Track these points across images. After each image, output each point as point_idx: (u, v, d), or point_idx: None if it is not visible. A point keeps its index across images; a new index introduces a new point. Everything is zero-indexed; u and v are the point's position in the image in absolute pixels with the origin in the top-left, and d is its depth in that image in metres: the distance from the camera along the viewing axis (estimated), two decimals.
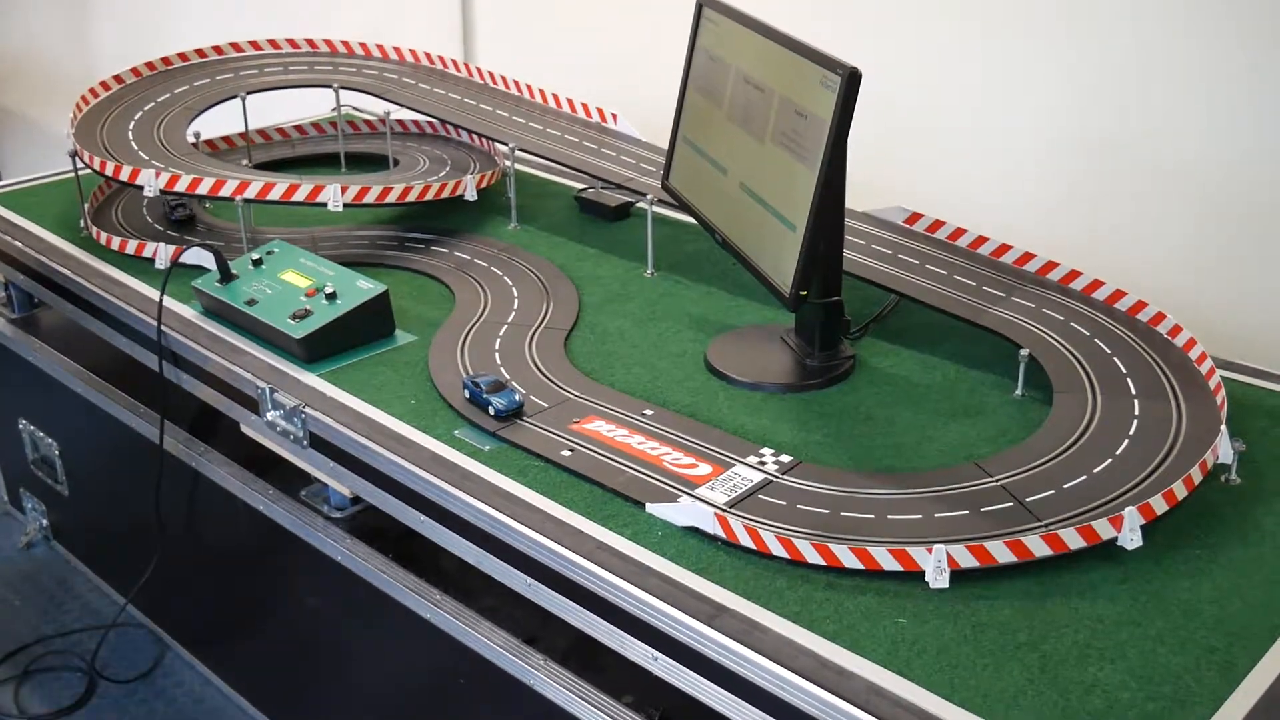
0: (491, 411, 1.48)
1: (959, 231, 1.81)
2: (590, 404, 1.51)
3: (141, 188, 1.91)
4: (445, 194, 2.04)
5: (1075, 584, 1.18)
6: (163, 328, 1.74)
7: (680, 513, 1.28)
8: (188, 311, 1.80)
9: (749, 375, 1.59)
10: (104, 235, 1.99)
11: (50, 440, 2.26)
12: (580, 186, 2.23)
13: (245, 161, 2.30)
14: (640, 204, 1.97)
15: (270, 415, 1.60)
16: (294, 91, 2.37)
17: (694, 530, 1.27)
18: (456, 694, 1.53)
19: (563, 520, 1.30)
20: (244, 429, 1.69)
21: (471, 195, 2.08)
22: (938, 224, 1.83)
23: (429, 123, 2.45)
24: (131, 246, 1.95)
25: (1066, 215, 2.07)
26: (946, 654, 1.10)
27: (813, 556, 1.21)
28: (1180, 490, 1.25)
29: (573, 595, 1.26)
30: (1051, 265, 1.71)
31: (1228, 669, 1.07)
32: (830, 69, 1.38)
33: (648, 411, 1.50)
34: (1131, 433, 1.38)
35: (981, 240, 1.78)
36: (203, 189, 1.90)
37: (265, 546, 1.77)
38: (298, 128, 2.53)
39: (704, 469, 1.37)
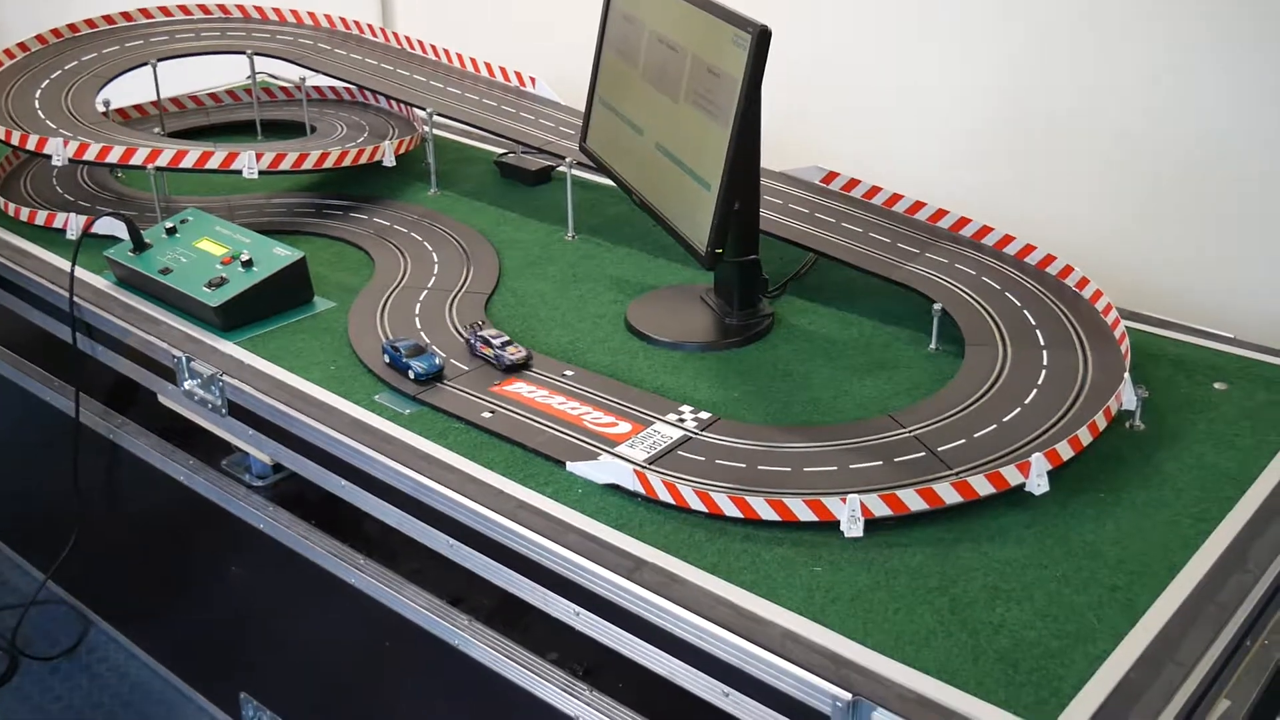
0: (411, 375, 1.48)
1: (874, 190, 1.83)
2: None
3: (49, 157, 1.88)
4: (363, 160, 2.02)
5: (985, 529, 1.22)
6: (75, 299, 1.72)
7: (600, 470, 1.30)
8: (101, 282, 1.77)
9: (669, 335, 1.60)
10: (12, 207, 1.94)
11: None
12: (500, 151, 2.23)
13: (158, 130, 2.26)
14: (560, 167, 1.97)
15: (187, 384, 1.59)
16: (207, 59, 2.33)
17: (614, 487, 1.29)
18: (384, 658, 1.53)
19: (483, 481, 1.31)
20: (161, 399, 1.67)
21: (390, 161, 2.06)
22: (853, 182, 1.85)
23: (346, 89, 2.43)
24: (41, 217, 1.91)
25: (979, 172, 2.11)
26: (860, 600, 1.12)
27: (730, 510, 1.22)
28: (1085, 436, 1.29)
29: (495, 555, 1.27)
30: (964, 221, 1.74)
31: (1128, 606, 1.11)
32: (741, 27, 1.39)
33: (568, 372, 1.51)
34: (1040, 382, 1.41)
35: (896, 198, 1.81)
36: (113, 157, 1.86)
37: (187, 517, 1.76)
38: (212, 95, 2.49)
39: (624, 427, 1.38)
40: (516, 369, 1.50)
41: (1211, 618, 1.09)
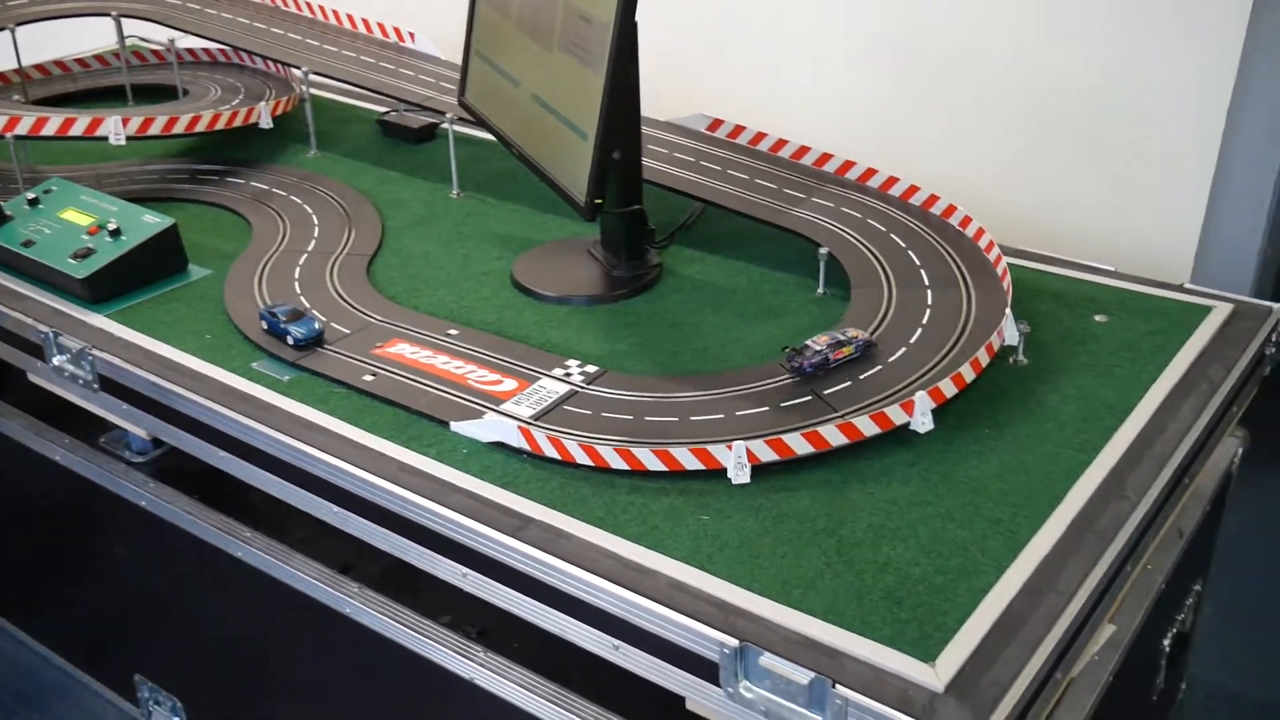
0: (290, 341, 1.44)
1: (759, 136, 1.82)
2: (393, 327, 1.48)
3: None
4: (237, 123, 1.96)
5: (871, 470, 1.22)
6: None
7: (484, 429, 1.27)
8: None
9: (555, 290, 1.58)
10: None
11: None
12: (382, 110, 2.17)
13: (18, 98, 2.17)
14: (443, 124, 1.93)
15: (56, 360, 1.53)
16: (73, 22, 2.23)
17: (500, 446, 1.26)
18: (277, 631, 1.50)
19: (365, 445, 1.28)
20: (31, 377, 1.61)
21: (267, 123, 2.00)
22: (738, 129, 1.84)
23: (220, 50, 2.35)
24: None
25: (862, 117, 2.10)
26: (748, 546, 1.12)
27: (616, 462, 1.21)
28: (968, 373, 1.30)
29: (380, 520, 1.24)
30: (849, 165, 1.74)
31: (1011, 538, 1.12)
32: None
33: (452, 331, 1.48)
34: (924, 322, 1.42)
35: (781, 143, 1.80)
36: None
37: (68, 498, 1.70)
38: (79, 61, 2.39)
39: (509, 385, 1.36)
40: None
41: (1091, 545, 1.10)
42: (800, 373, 1.33)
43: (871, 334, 1.39)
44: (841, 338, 1.35)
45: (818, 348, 1.33)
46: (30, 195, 1.70)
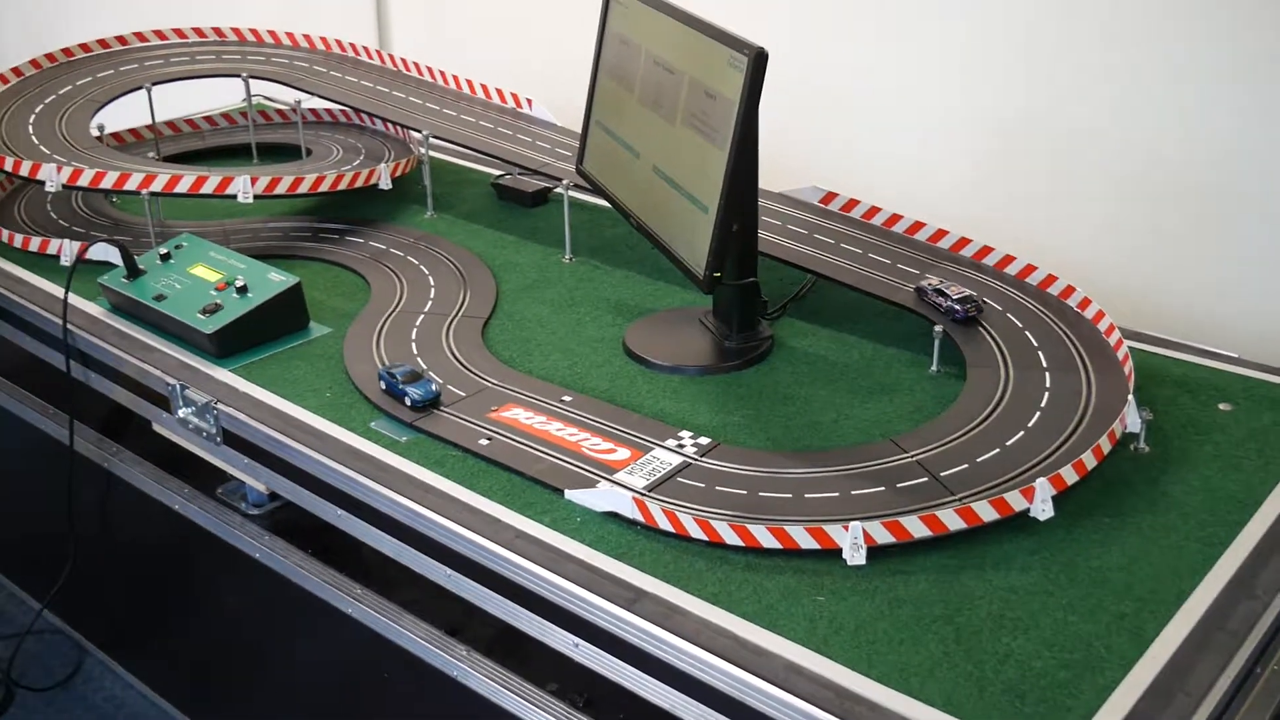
0: (408, 402, 1.46)
1: (873, 210, 1.82)
2: (508, 392, 1.50)
3: (43, 183, 1.86)
4: (359, 183, 2.01)
5: (989, 556, 1.20)
6: (69, 326, 1.70)
7: (599, 498, 1.28)
8: (95, 309, 1.76)
9: (667, 359, 1.59)
10: (6, 232, 1.93)
11: None
12: (497, 174, 2.22)
13: (153, 155, 2.25)
14: (557, 190, 1.96)
15: (182, 413, 1.57)
16: (203, 82, 2.32)
17: (613, 515, 1.27)
18: (381, 688, 1.51)
19: (481, 510, 1.29)
20: (156, 427, 1.66)
21: (386, 184, 2.05)
22: (852, 203, 1.84)
23: (342, 111, 2.42)
24: (35, 243, 1.90)
25: (979, 192, 2.09)
26: (864, 630, 1.10)
27: (731, 538, 1.21)
28: (1090, 460, 1.27)
29: (493, 585, 1.25)
30: (964, 241, 1.73)
31: (1136, 634, 1.09)
32: (737, 49, 1.38)
33: (566, 398, 1.49)
34: (1043, 405, 1.40)
35: (896, 218, 1.80)
36: (107, 183, 1.85)
37: (182, 546, 1.74)
38: (207, 119, 2.48)
39: (623, 454, 1.36)
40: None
41: (1221, 646, 1.07)
42: (953, 316, 1.52)
43: (988, 415, 1.38)
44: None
45: (956, 294, 1.54)
46: (162, 250, 1.76)
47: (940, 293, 1.58)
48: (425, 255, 1.90)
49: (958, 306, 1.55)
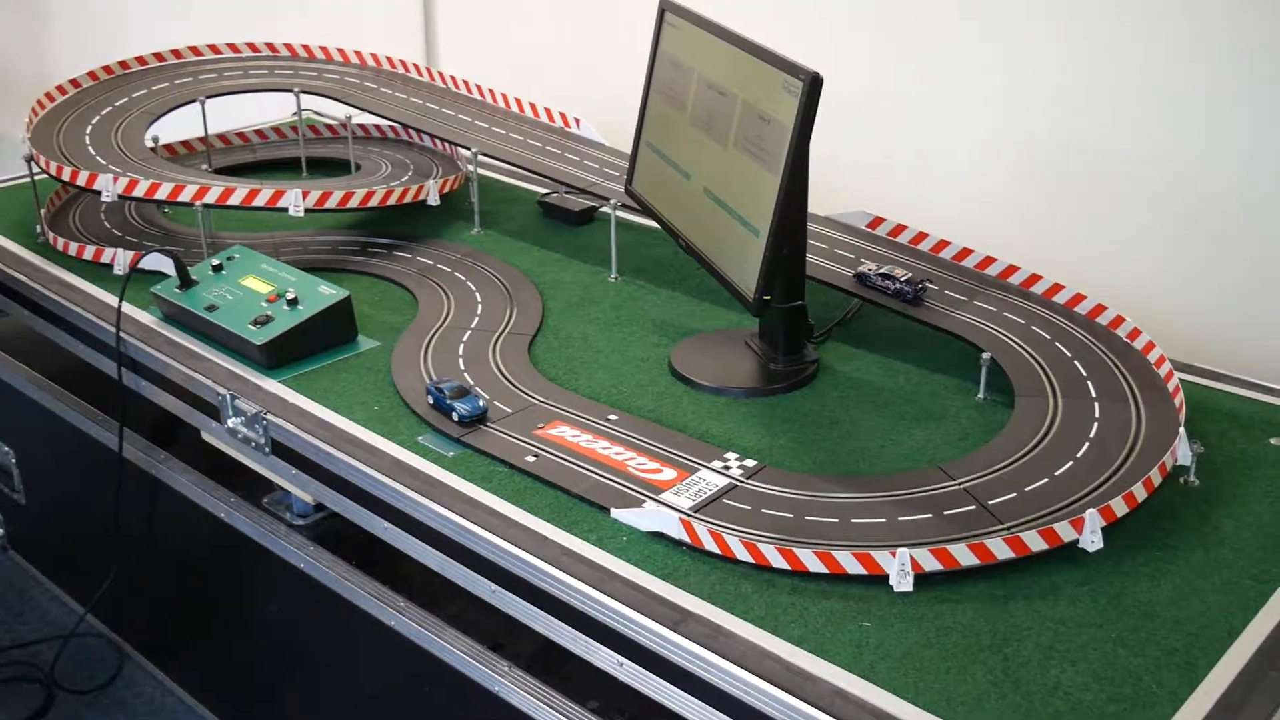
0: (455, 417, 1.47)
1: (921, 235, 1.82)
2: (554, 409, 1.51)
3: (99, 193, 1.89)
4: (408, 199, 2.03)
5: (1037, 586, 1.19)
6: (122, 334, 1.73)
7: (645, 518, 1.28)
8: (147, 318, 1.78)
9: (713, 380, 1.59)
10: (61, 241, 1.96)
11: (7, 449, 2.23)
12: (544, 191, 2.23)
13: (205, 166, 2.28)
14: (604, 209, 1.97)
15: (231, 422, 1.59)
16: (254, 96, 2.35)
17: (659, 535, 1.27)
18: (421, 701, 1.52)
19: (527, 526, 1.30)
20: (205, 436, 1.68)
21: (434, 200, 2.07)
22: (900, 228, 1.84)
23: (391, 127, 2.44)
24: (89, 252, 1.93)
25: (1027, 219, 2.09)
26: (911, 657, 1.10)
27: (777, 560, 1.21)
28: (1140, 492, 1.27)
29: (537, 601, 1.26)
30: (1012, 269, 1.73)
31: (1187, 669, 1.08)
32: (792, 74, 1.38)
33: (612, 416, 1.50)
34: (1092, 435, 1.39)
35: (944, 244, 1.79)
36: (162, 194, 1.88)
37: (227, 554, 1.75)
38: (258, 132, 2.51)
39: (669, 474, 1.37)
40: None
41: (1274, 685, 1.06)
42: (901, 296, 1.62)
43: (1037, 444, 1.37)
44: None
45: (902, 276, 1.64)
46: (214, 261, 1.78)
47: (887, 276, 1.67)
48: (472, 271, 1.92)
49: (907, 288, 1.65)
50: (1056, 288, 1.68)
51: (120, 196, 1.89)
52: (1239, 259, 1.89)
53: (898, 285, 1.66)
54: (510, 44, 2.79)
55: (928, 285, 1.69)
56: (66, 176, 1.92)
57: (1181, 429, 1.36)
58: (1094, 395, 1.47)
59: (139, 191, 1.88)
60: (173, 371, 1.67)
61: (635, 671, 1.18)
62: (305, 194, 1.92)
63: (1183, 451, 1.34)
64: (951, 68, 2.11)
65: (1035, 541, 1.20)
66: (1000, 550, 1.19)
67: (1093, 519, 1.22)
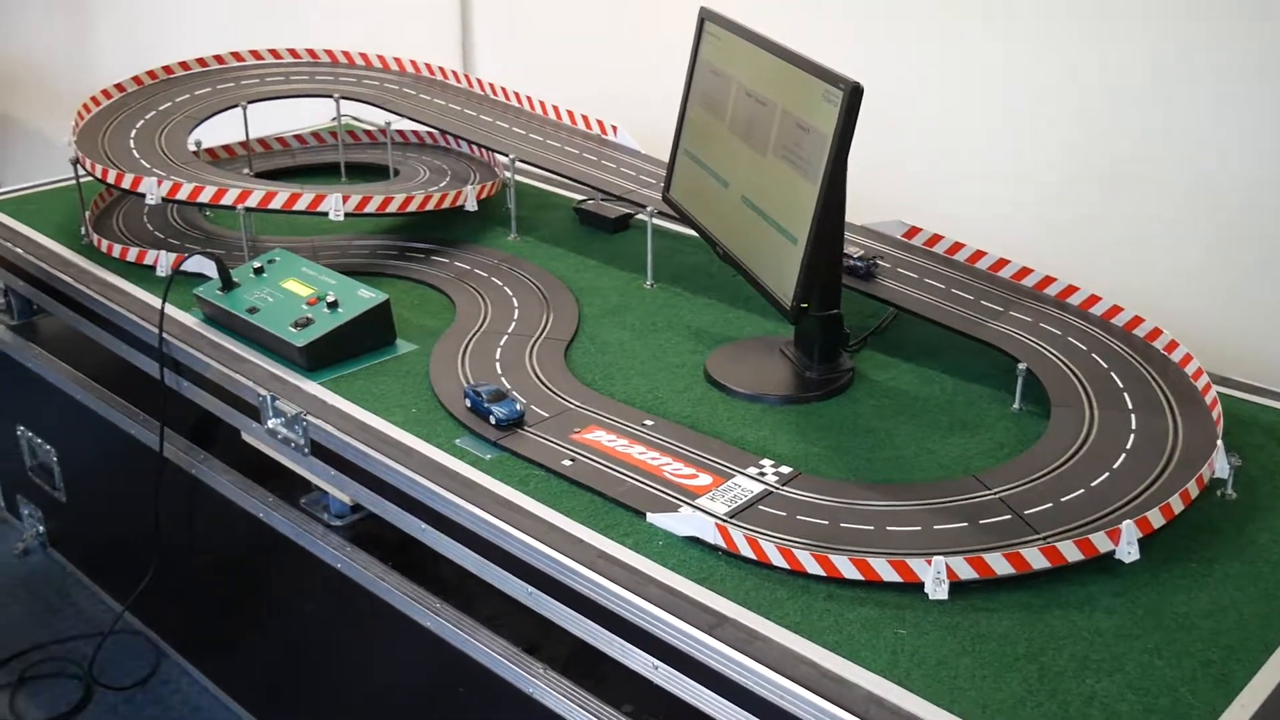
0: (493, 420, 1.49)
1: (957, 245, 1.82)
2: (591, 414, 1.52)
3: (143, 195, 1.92)
4: (446, 204, 2.05)
5: (1073, 596, 1.19)
6: (164, 335, 1.75)
7: (681, 522, 1.29)
8: (189, 319, 1.80)
9: (749, 387, 1.60)
10: (105, 242, 1.99)
11: (48, 447, 2.27)
12: (580, 198, 2.25)
13: (246, 170, 2.31)
14: (640, 216, 1.98)
15: (271, 423, 1.61)
16: (295, 101, 2.38)
17: (695, 540, 1.28)
18: (456, 702, 1.53)
19: (564, 529, 1.31)
20: (245, 437, 1.70)
21: (472, 206, 2.09)
22: (936, 238, 1.84)
23: (429, 133, 2.46)
24: (133, 254, 1.95)
25: (1064, 230, 2.08)
26: (946, 665, 1.10)
27: (813, 567, 1.21)
28: (1177, 504, 1.26)
29: (573, 604, 1.27)
30: (1049, 280, 1.73)
31: (1224, 682, 1.08)
32: (832, 83, 1.39)
33: (648, 422, 1.51)
34: (1128, 447, 1.39)
35: (980, 254, 1.80)
36: (205, 197, 1.90)
37: (265, 554, 1.77)
38: (298, 137, 2.54)
39: (704, 479, 1.38)
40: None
41: None
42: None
43: (1073, 455, 1.37)
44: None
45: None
46: (256, 264, 1.81)
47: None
48: (509, 276, 1.93)
49: (860, 264, 1.74)
50: (1093, 299, 1.68)
51: (164, 199, 1.92)
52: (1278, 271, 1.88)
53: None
54: (547, 51, 2.81)
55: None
56: (111, 179, 1.95)
57: (1219, 441, 1.35)
58: (1130, 407, 1.47)
59: (182, 194, 1.91)
60: (213, 372, 1.69)
61: (670, 675, 1.19)
62: (345, 199, 1.94)
63: (1220, 464, 1.34)
64: (994, 76, 2.11)
65: (1071, 552, 1.20)
66: (1036, 560, 1.20)
67: (1129, 530, 1.22)
